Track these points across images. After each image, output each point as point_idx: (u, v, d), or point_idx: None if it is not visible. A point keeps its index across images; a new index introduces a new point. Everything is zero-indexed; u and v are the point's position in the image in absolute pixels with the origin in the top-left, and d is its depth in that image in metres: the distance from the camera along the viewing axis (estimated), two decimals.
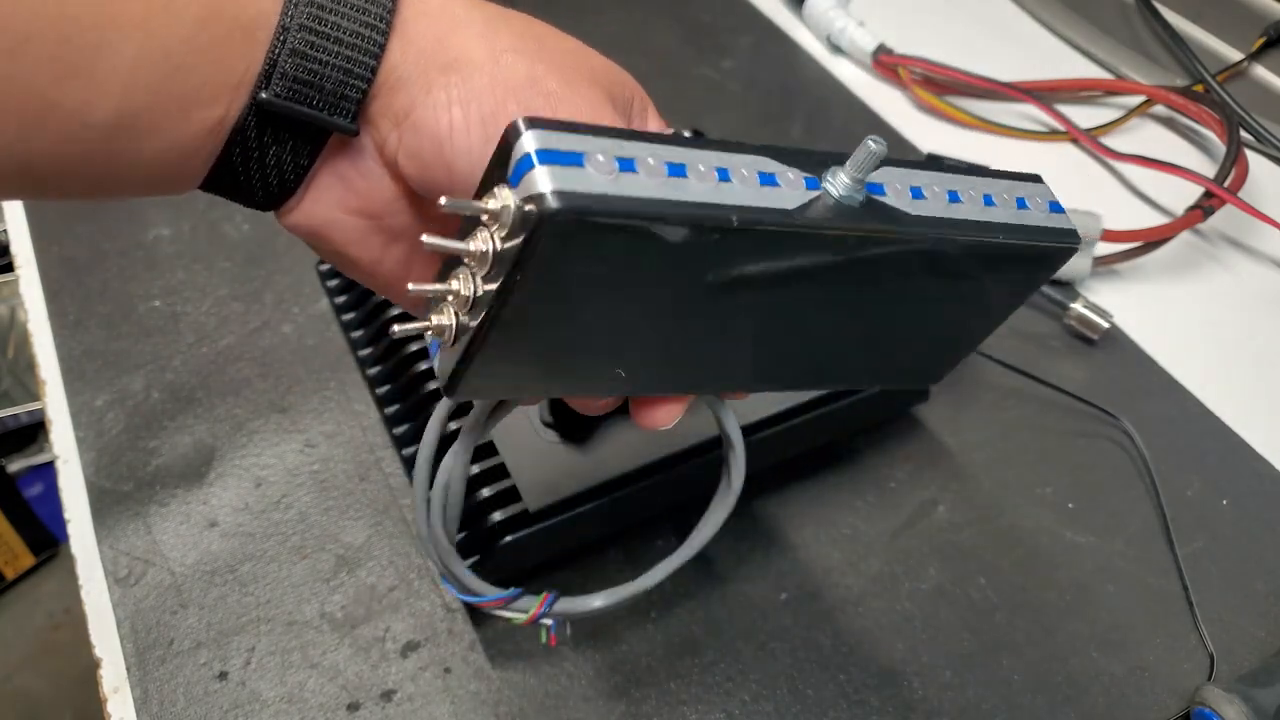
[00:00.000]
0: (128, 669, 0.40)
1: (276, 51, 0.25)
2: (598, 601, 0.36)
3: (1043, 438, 0.51)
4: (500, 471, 0.42)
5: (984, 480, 0.49)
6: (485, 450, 0.43)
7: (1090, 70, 0.74)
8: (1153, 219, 0.62)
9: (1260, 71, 0.68)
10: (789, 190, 0.25)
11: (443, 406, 0.32)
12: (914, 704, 0.41)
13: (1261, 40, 0.67)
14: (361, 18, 0.26)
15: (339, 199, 0.28)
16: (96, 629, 0.42)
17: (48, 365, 0.51)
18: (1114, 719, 0.41)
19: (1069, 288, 0.57)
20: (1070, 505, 0.48)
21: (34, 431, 1.44)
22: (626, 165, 0.23)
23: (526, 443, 0.42)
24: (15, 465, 1.42)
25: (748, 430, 0.44)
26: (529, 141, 0.22)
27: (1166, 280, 0.59)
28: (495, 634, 0.42)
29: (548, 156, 0.22)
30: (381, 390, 0.48)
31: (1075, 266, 0.57)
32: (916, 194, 0.27)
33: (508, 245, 0.23)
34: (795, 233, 0.24)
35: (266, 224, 0.59)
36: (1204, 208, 0.57)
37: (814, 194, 0.25)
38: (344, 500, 0.46)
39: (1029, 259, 0.29)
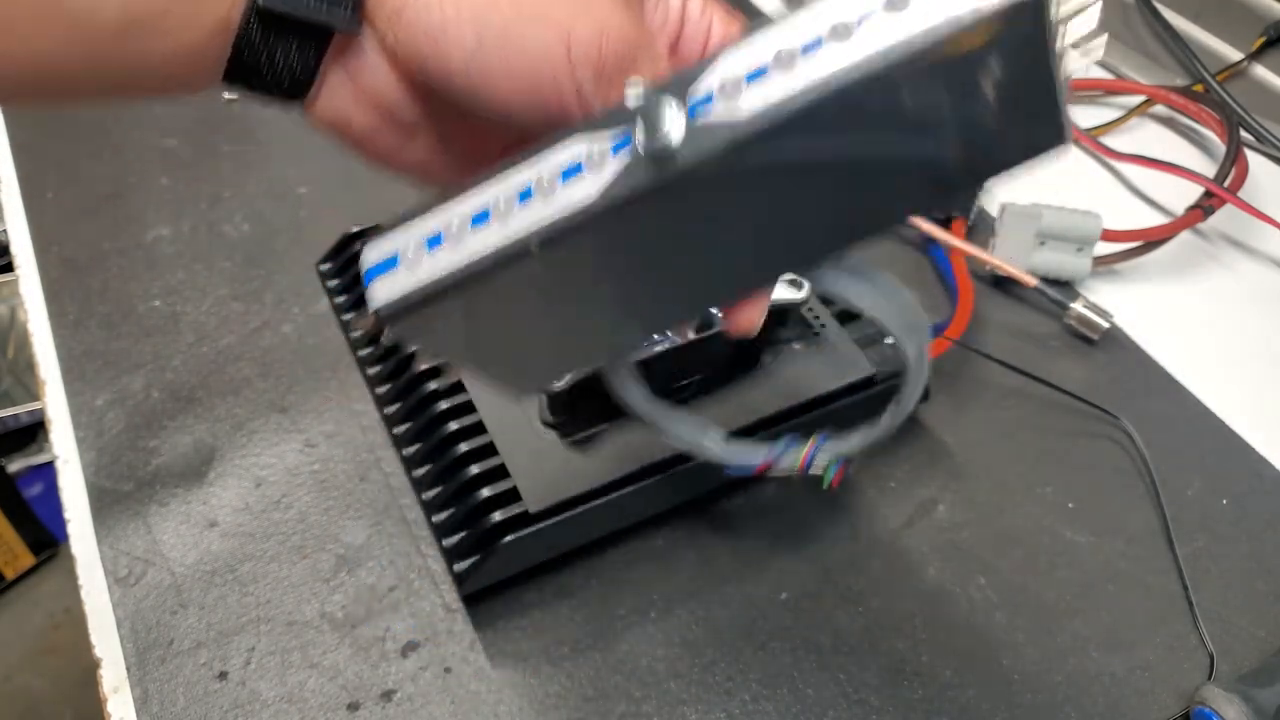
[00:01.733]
0: (128, 669, 0.40)
1: None
2: (857, 440, 0.37)
3: (1043, 437, 0.51)
4: (500, 471, 0.42)
5: (984, 480, 0.49)
6: (485, 450, 0.43)
7: (1090, 70, 0.74)
8: (1153, 219, 0.62)
9: (1260, 71, 0.68)
10: (590, 174, 0.23)
11: None
12: (914, 704, 0.41)
13: (1261, 40, 0.67)
14: None
15: (352, 95, 0.28)
16: (96, 629, 0.42)
17: (48, 365, 0.51)
18: (1114, 719, 0.41)
19: (1069, 288, 0.57)
20: (1070, 505, 0.48)
21: (34, 431, 1.44)
22: (434, 242, 0.24)
23: (526, 443, 0.42)
24: (15, 465, 1.42)
25: (744, 433, 0.44)
26: None
27: (1166, 280, 0.59)
28: (495, 634, 0.42)
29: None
30: (381, 390, 0.48)
31: (1075, 266, 0.57)
32: (755, 77, 0.22)
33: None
34: (617, 208, 0.23)
35: (266, 224, 0.59)
36: (1204, 207, 0.57)
37: (623, 159, 0.22)
38: (344, 500, 0.46)
39: (976, 58, 0.21)
